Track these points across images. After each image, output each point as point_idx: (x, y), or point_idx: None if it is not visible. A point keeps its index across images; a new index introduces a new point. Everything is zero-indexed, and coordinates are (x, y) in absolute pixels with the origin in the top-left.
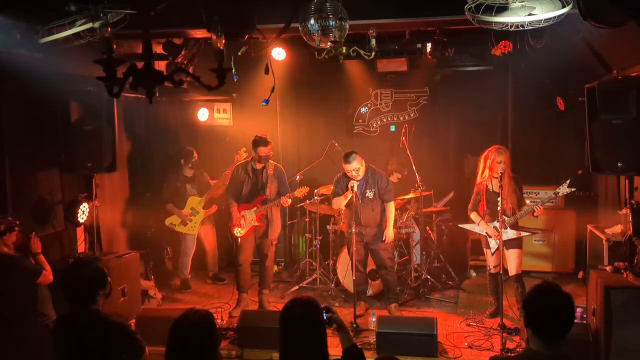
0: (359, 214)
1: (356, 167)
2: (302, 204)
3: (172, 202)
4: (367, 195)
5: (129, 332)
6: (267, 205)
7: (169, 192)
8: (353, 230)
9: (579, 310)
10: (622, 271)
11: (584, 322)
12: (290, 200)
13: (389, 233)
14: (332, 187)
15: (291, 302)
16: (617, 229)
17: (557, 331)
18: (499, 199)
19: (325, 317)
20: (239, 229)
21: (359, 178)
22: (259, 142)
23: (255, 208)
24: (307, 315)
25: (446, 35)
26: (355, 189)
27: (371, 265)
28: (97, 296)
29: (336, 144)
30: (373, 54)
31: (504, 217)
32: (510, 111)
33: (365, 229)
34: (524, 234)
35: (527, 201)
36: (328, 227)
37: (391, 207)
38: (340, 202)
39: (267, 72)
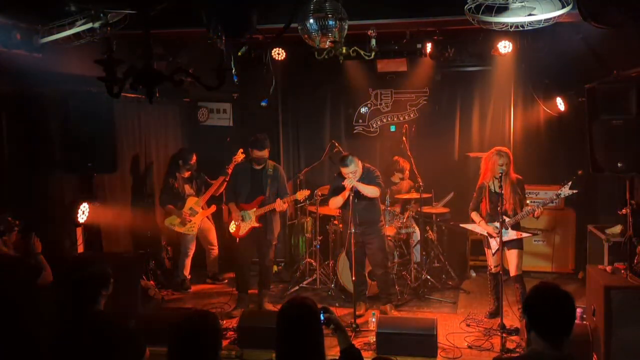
0: (355, 213)
1: (353, 170)
2: (303, 204)
3: (170, 203)
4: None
5: (131, 332)
6: (266, 206)
7: (167, 193)
8: (352, 230)
9: (579, 310)
10: (622, 271)
11: (584, 322)
12: (286, 204)
13: (358, 184)
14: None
15: (288, 304)
16: (617, 229)
17: (559, 331)
18: (500, 199)
19: (322, 318)
20: (234, 223)
21: (356, 179)
22: (253, 144)
23: (254, 209)
24: (303, 316)
25: (446, 35)
26: (349, 184)
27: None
28: (99, 297)
29: (336, 145)
30: (373, 54)
31: (505, 217)
32: (510, 111)
33: (361, 227)
34: (524, 234)
35: (528, 202)
36: (328, 227)
37: (375, 189)
38: (337, 202)
39: (267, 72)
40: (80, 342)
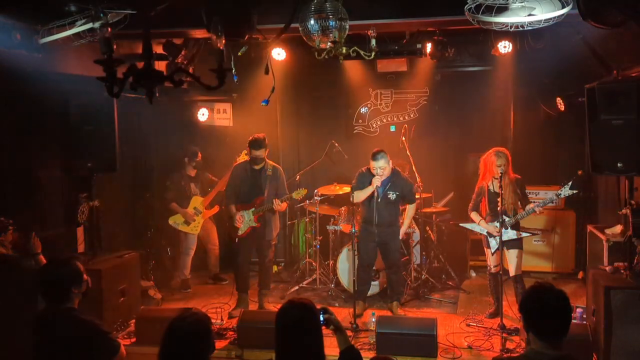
0: (375, 213)
1: (383, 166)
2: (302, 204)
3: (176, 202)
4: (388, 196)
5: (101, 331)
6: (265, 206)
7: (173, 191)
8: (353, 230)
9: (579, 310)
10: (622, 271)
11: (584, 322)
12: (284, 204)
13: (403, 230)
14: (353, 182)
15: (287, 304)
16: (617, 229)
17: (556, 330)
18: (499, 199)
19: (322, 319)
20: (239, 224)
21: (383, 177)
22: (251, 144)
23: (253, 209)
24: (302, 318)
25: (446, 35)
26: (377, 184)
27: (375, 265)
28: (71, 294)
29: (336, 145)
30: (373, 54)
31: (505, 217)
32: (510, 111)
33: (379, 228)
34: (524, 234)
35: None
36: (328, 227)
37: (412, 209)
38: (360, 196)
39: (267, 72)
40: (52, 340)
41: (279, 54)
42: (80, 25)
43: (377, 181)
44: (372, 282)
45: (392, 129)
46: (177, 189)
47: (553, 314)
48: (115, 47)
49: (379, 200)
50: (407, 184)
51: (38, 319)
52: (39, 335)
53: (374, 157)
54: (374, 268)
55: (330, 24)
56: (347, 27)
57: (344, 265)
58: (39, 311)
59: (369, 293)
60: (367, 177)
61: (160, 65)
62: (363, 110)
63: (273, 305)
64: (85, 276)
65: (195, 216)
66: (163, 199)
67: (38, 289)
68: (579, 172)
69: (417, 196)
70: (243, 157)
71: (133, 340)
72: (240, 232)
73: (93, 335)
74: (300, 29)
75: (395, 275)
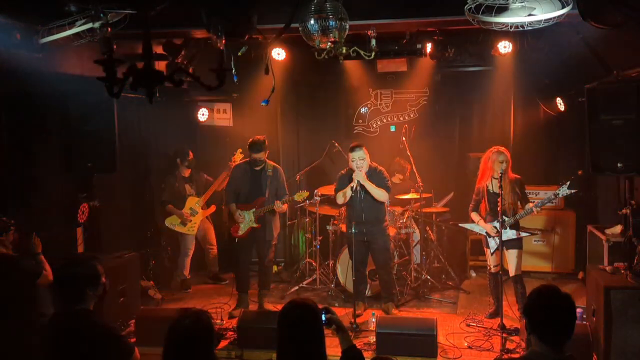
0: (360, 212)
1: (362, 156)
2: (302, 204)
3: (172, 203)
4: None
5: (115, 334)
6: (265, 207)
7: (168, 193)
8: (353, 230)
9: (579, 310)
10: (622, 271)
11: (584, 322)
12: (285, 205)
13: (367, 182)
14: (335, 184)
15: (289, 304)
16: (617, 229)
17: (560, 334)
18: (499, 199)
19: (324, 319)
20: (241, 225)
21: (362, 170)
22: (251, 147)
23: (254, 209)
24: (304, 317)
25: (446, 35)
26: (358, 178)
27: (371, 266)
28: (85, 296)
29: (336, 145)
30: (373, 54)
31: (504, 217)
32: (510, 111)
33: (366, 225)
34: (524, 234)
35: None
36: (328, 227)
37: (384, 192)
38: (344, 195)
39: (267, 72)
40: (65, 341)
41: (279, 54)
42: (80, 25)
43: (357, 175)
44: (372, 282)
45: (392, 129)
46: (172, 191)
47: (558, 318)
48: (115, 47)
49: (362, 196)
50: (382, 175)
51: (52, 320)
52: (52, 336)
53: (352, 149)
54: (372, 268)
55: (330, 24)
56: (347, 27)
57: (344, 265)
58: (55, 312)
59: (369, 293)
60: (347, 178)
61: (160, 65)
62: (363, 110)
63: (273, 305)
64: (103, 279)
65: (192, 217)
66: (160, 202)
67: (55, 288)
68: (579, 172)
69: (389, 184)
70: (238, 156)
71: (133, 340)
72: (240, 233)
73: (107, 337)
74: (300, 28)
75: (386, 275)
